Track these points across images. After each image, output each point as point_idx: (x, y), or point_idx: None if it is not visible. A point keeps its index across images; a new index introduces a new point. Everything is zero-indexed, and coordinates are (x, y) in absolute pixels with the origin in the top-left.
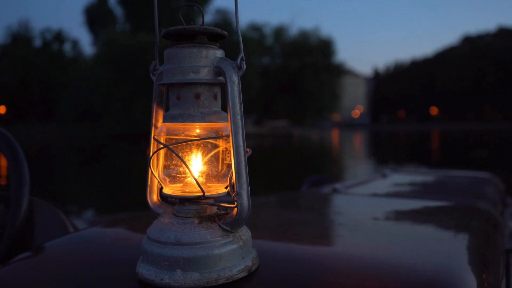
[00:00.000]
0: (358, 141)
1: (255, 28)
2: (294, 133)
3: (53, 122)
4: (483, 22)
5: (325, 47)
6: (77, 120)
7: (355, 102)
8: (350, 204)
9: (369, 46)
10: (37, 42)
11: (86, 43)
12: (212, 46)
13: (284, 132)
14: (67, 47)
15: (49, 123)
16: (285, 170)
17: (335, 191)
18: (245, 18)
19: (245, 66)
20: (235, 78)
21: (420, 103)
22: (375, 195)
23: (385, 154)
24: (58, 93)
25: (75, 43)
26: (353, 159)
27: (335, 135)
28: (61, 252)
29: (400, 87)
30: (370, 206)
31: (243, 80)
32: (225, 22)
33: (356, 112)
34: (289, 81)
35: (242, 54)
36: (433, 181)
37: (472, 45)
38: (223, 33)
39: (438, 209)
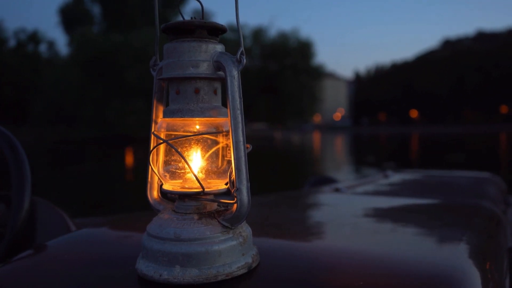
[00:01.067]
0: (340, 144)
1: (233, 29)
2: (275, 136)
3: (26, 124)
4: (463, 26)
5: (304, 49)
6: (51, 122)
7: (337, 105)
8: (352, 203)
9: (351, 49)
10: (11, 43)
11: (63, 44)
12: (211, 40)
13: (265, 135)
14: (42, 48)
15: (22, 125)
16: (271, 173)
17: (337, 190)
18: (223, 19)
19: (245, 60)
20: (235, 73)
21: (401, 106)
22: (377, 194)
23: (367, 157)
24: (33, 95)
25: (51, 44)
26: (337, 163)
27: (316, 138)
28: (62, 250)
29: (381, 90)
30: (372, 205)
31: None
32: None
33: (338, 115)
34: (268, 83)
35: (242, 49)
36: (434, 180)
37: (452, 48)
38: (223, 27)
39: (441, 208)
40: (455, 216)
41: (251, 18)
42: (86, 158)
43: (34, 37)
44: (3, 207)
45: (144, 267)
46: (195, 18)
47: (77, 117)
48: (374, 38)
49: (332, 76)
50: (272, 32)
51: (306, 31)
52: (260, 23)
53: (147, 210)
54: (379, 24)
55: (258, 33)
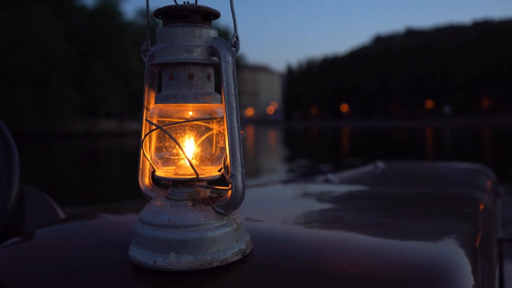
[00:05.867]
0: (273, 139)
1: (144, 14)
2: None
3: None
4: (394, 23)
5: (222, 37)
6: None
7: (270, 99)
8: (342, 194)
9: (286, 43)
10: None
11: None
12: (205, 25)
13: None
14: None
15: None
16: None
17: (327, 181)
18: (134, 4)
19: (239, 45)
20: (229, 58)
21: (332, 100)
22: (367, 185)
23: (299, 153)
24: None
25: None
26: (272, 158)
27: (250, 132)
28: (51, 237)
29: (313, 84)
30: (361, 195)
31: (133, 70)
32: (108, 5)
33: (271, 109)
34: None
35: (236, 34)
36: (425, 171)
37: (382, 44)
38: (217, 12)
39: (431, 198)
40: (445, 206)
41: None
42: None
43: None
44: None
45: (138, 254)
46: (188, 2)
47: None
48: (308, 32)
49: (266, 70)
50: None
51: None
52: None
53: (138, 198)
54: (313, 18)
55: None
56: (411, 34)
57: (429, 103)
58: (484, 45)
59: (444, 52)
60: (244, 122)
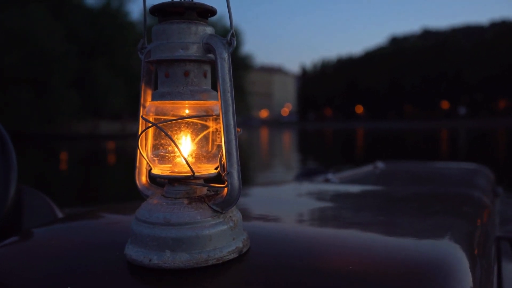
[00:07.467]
0: (288, 141)
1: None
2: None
3: None
4: (410, 24)
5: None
6: None
7: (285, 100)
8: (342, 193)
9: (301, 44)
10: None
11: None
12: (201, 22)
13: None
14: None
15: None
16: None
17: (327, 181)
18: (140, 4)
19: (235, 42)
20: (225, 55)
21: (346, 101)
22: (366, 184)
23: (315, 156)
24: None
25: None
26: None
27: (264, 133)
28: (49, 236)
29: (327, 85)
30: (360, 194)
31: (136, 70)
32: (110, 4)
33: (285, 110)
34: None
35: (232, 31)
36: (424, 171)
37: (398, 45)
38: (213, 9)
39: (431, 197)
40: (444, 205)
41: None
42: None
43: None
44: None
45: (134, 252)
46: None
47: None
48: (323, 33)
49: (280, 71)
50: None
51: (237, 19)
52: None
53: (136, 199)
54: (329, 19)
55: None
56: (427, 35)
57: (444, 104)
58: (500, 46)
59: (459, 53)
60: (258, 123)
